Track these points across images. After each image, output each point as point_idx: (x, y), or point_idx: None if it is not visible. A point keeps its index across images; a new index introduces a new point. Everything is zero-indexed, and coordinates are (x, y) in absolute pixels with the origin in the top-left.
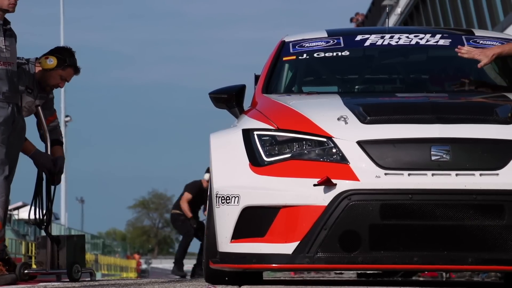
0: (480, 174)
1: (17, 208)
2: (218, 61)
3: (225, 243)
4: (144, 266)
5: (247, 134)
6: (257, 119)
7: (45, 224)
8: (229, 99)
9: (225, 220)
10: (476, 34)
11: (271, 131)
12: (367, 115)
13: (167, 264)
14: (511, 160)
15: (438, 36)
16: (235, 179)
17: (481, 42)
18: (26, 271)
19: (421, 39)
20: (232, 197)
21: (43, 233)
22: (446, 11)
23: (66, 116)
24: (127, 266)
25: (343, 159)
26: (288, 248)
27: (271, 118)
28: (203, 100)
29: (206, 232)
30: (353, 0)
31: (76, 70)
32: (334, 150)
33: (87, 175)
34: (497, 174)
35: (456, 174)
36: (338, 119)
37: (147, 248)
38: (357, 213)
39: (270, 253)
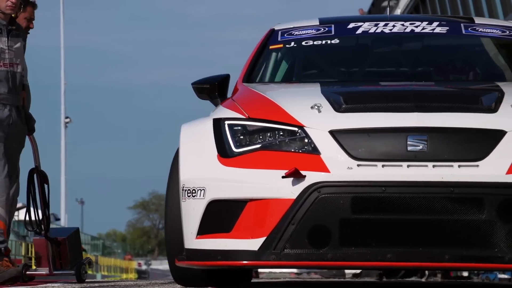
0: (459, 166)
1: (17, 209)
2: (218, 63)
3: (191, 239)
4: (144, 267)
5: (218, 124)
6: (230, 109)
7: (44, 230)
8: (212, 90)
9: (191, 214)
10: (476, 22)
11: (242, 121)
12: (342, 103)
13: (168, 265)
14: (493, 150)
15: (435, 23)
16: (201, 171)
17: (480, 29)
18: (27, 272)
19: (416, 26)
20: (198, 190)
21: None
22: (446, 12)
23: (66, 117)
24: (128, 267)
25: (314, 150)
26: (254, 244)
27: (243, 107)
28: (204, 101)
29: (167, 227)
30: (353, 2)
31: (34, 5)
32: (305, 140)
33: (87, 176)
34: (477, 166)
35: (433, 166)
36: (312, 107)
37: (147, 249)
38: (327, 207)
39: (236, 249)
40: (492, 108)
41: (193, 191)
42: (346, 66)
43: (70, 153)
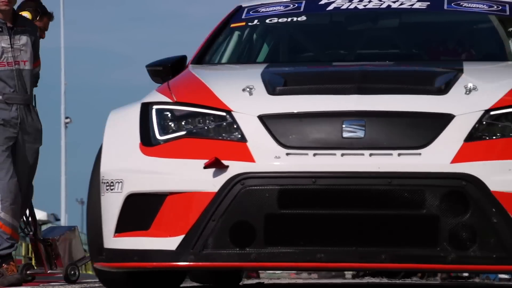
0: (399, 154)
1: None
2: None
3: (109, 238)
4: None
5: (146, 109)
6: (161, 92)
7: (32, 231)
8: (166, 72)
9: (109, 210)
10: None
11: (169, 105)
12: (278, 86)
13: None
14: (437, 137)
15: None
16: (121, 161)
17: (464, 4)
18: (28, 272)
19: (394, 2)
20: (116, 183)
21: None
22: None
23: (66, 117)
24: None
25: (241, 137)
26: (172, 243)
27: (173, 90)
28: None
29: (88, 225)
30: None
31: (50, 17)
32: (233, 126)
33: (87, 176)
34: (419, 154)
35: (370, 154)
36: (243, 90)
37: None
38: (251, 201)
39: (153, 249)
40: (442, 89)
41: (112, 184)
42: (309, 46)
43: (70, 153)
